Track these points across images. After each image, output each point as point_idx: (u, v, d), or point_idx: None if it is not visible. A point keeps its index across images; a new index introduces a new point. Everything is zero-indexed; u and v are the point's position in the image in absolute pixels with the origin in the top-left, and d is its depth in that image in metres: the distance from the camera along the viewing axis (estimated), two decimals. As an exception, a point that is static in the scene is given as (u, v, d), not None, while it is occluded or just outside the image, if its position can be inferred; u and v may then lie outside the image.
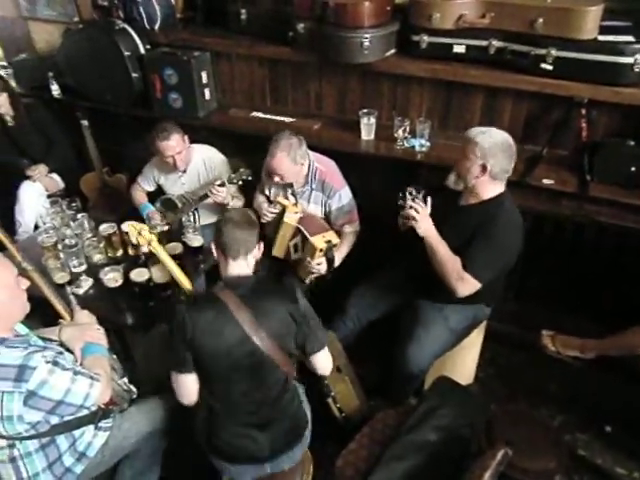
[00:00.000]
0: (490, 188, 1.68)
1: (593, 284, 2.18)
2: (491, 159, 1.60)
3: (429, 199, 1.72)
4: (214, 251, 1.46)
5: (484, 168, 1.62)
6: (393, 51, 2.23)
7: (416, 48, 2.14)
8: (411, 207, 1.66)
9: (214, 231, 1.47)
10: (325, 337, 1.54)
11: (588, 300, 2.20)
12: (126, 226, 1.50)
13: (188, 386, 1.43)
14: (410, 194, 1.69)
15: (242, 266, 1.42)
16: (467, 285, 1.68)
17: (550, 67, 1.92)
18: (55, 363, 1.26)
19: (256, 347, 1.35)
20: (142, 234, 1.51)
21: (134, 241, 1.51)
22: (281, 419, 1.48)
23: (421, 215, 1.66)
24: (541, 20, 1.88)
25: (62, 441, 1.38)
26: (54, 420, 1.29)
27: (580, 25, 1.85)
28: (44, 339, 1.40)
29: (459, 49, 2.10)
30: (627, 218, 1.96)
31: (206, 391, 1.45)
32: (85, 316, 1.54)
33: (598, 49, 1.85)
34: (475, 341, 2.08)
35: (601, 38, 1.88)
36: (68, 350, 1.40)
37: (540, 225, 2.13)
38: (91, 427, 1.44)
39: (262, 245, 1.48)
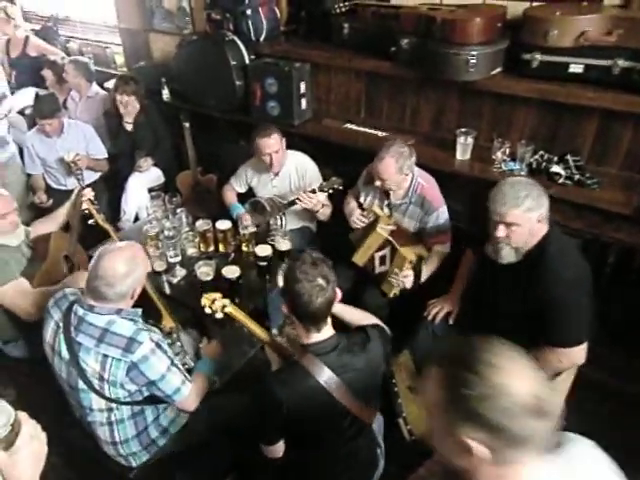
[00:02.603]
0: (540, 233, 1.47)
1: None
2: (540, 209, 1.42)
3: None
4: (286, 311, 1.24)
5: (540, 220, 1.44)
6: (499, 69, 2.01)
7: (526, 67, 1.91)
8: None
9: (288, 290, 1.20)
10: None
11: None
12: (202, 299, 1.45)
13: (276, 450, 1.30)
14: None
15: (325, 330, 1.24)
16: (573, 358, 1.53)
17: (691, 91, 1.61)
18: (158, 345, 1.32)
19: (345, 407, 1.23)
20: (215, 303, 1.44)
21: (208, 310, 1.45)
22: (357, 465, 1.36)
23: None
24: (686, 38, 1.58)
25: (149, 413, 1.42)
26: (146, 393, 1.36)
27: None
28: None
29: (576, 69, 1.84)
30: None
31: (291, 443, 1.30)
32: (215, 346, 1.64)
33: None
34: (562, 386, 1.77)
35: None
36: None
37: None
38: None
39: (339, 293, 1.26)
